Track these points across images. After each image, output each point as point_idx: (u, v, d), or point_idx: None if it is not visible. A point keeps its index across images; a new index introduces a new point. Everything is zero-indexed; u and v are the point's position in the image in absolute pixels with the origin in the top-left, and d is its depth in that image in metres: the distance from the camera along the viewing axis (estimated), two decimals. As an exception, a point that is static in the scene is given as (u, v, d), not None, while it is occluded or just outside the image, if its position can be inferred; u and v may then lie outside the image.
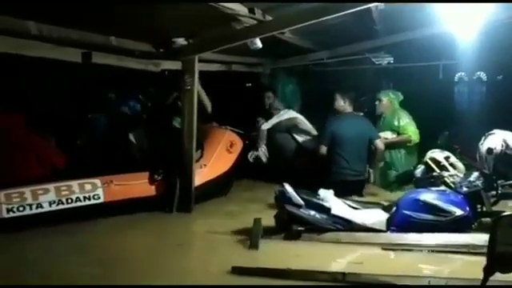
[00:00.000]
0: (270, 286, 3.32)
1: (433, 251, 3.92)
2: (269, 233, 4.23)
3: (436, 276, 3.42)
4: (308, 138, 6.63)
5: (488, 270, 1.83)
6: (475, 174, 4.37)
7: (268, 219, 4.36)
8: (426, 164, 4.68)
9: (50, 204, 4.69)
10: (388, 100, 6.36)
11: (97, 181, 5.04)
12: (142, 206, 5.15)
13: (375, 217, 4.25)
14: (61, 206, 4.73)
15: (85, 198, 4.88)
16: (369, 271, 3.40)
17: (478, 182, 4.25)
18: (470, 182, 4.29)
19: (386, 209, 4.39)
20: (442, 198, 4.16)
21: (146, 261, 3.92)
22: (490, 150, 4.43)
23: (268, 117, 6.96)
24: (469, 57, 6.81)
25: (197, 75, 5.25)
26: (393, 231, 4.16)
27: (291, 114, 6.93)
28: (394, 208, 4.27)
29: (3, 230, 4.31)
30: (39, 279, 3.46)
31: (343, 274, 3.32)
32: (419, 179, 4.66)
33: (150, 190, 5.30)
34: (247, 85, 8.50)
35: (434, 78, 7.71)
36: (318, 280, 3.34)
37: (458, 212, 4.06)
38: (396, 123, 6.22)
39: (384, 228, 4.18)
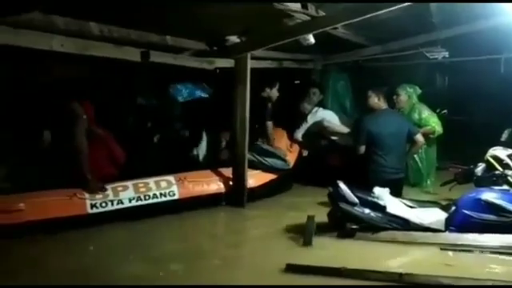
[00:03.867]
0: (325, 285, 3.28)
1: (494, 253, 3.77)
2: (322, 230, 4.20)
3: (498, 279, 3.28)
4: (342, 137, 6.45)
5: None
6: (541, 173, 4.15)
7: (322, 217, 4.33)
8: (488, 162, 4.47)
9: (130, 200, 4.84)
10: (406, 94, 6.20)
11: (171, 178, 5.19)
12: (213, 202, 5.28)
13: (433, 216, 4.12)
14: (139, 203, 4.88)
15: (161, 194, 5.01)
16: (426, 272, 3.32)
17: (544, 181, 4.05)
18: (535, 181, 4.09)
19: (444, 208, 4.25)
20: (505, 197, 4.00)
21: (200, 257, 3.97)
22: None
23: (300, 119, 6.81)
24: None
25: (249, 72, 5.28)
26: (452, 231, 4.03)
27: (317, 116, 6.71)
28: (453, 207, 4.13)
29: (88, 224, 4.49)
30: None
31: (400, 274, 3.26)
32: (480, 178, 4.45)
33: (221, 187, 5.42)
34: (296, 82, 8.40)
35: (494, 73, 7.33)
36: (374, 280, 3.30)
37: (523, 212, 3.87)
38: (417, 116, 6.08)
39: (442, 228, 4.06)
